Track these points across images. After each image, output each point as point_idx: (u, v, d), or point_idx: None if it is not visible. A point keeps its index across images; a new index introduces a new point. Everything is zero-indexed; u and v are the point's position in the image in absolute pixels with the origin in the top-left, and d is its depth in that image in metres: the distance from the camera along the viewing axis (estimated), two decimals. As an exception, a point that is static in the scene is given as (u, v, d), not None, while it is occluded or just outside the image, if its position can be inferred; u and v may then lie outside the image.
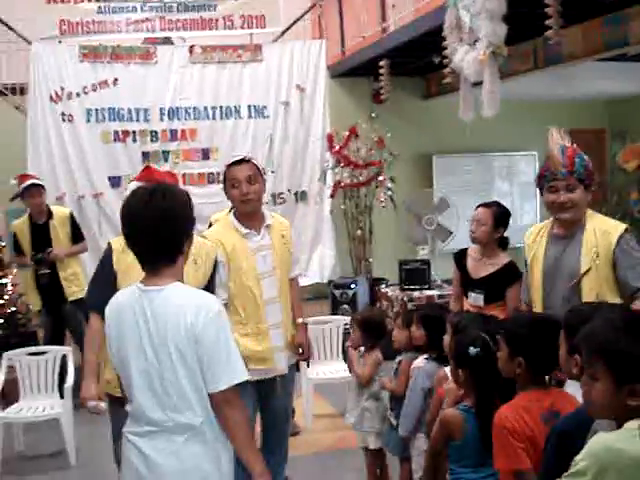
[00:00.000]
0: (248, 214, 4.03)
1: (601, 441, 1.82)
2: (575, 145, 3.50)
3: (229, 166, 4.03)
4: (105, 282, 3.59)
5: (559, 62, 7.67)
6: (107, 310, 2.63)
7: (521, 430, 2.52)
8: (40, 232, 6.73)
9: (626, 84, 10.00)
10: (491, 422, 2.62)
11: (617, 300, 3.29)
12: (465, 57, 5.97)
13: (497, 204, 4.75)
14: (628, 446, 1.76)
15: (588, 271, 3.34)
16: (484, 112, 5.76)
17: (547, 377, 2.76)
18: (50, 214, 6.79)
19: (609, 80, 9.56)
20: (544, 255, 3.57)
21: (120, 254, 3.62)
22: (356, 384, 4.29)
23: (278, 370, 4.08)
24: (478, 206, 4.73)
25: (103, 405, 3.64)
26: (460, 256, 4.80)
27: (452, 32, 6.27)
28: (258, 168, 4.06)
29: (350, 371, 4.41)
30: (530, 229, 3.77)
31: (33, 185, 6.71)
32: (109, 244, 3.79)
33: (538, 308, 3.58)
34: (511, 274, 4.46)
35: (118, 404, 3.15)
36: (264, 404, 4.13)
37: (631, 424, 1.81)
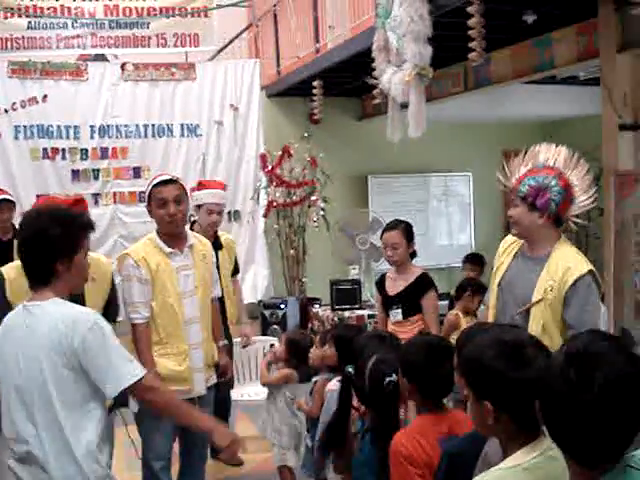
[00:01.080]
0: (172, 234, 3.99)
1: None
2: (554, 171, 3.36)
3: (155, 186, 3.98)
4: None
5: (488, 84, 7.78)
6: None
7: (417, 456, 2.49)
8: (1, 250, 6.28)
9: (557, 106, 10.20)
10: (388, 446, 2.59)
11: (560, 338, 3.16)
12: (392, 78, 5.99)
13: (399, 222, 4.91)
14: None
15: (539, 302, 3.27)
16: (410, 133, 5.78)
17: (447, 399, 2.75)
18: (15, 232, 6.47)
19: (541, 102, 9.74)
20: (506, 270, 3.54)
21: (12, 282, 3.58)
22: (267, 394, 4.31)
23: (196, 391, 4.01)
24: (384, 231, 4.89)
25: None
26: (380, 280, 4.96)
27: (380, 53, 6.30)
28: (184, 189, 4.04)
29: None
30: (507, 237, 3.69)
31: (3, 200, 6.34)
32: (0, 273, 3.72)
33: (488, 318, 3.59)
34: (424, 285, 4.69)
35: None
36: (183, 428, 4.05)
37: (519, 457, 1.80)
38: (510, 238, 3.63)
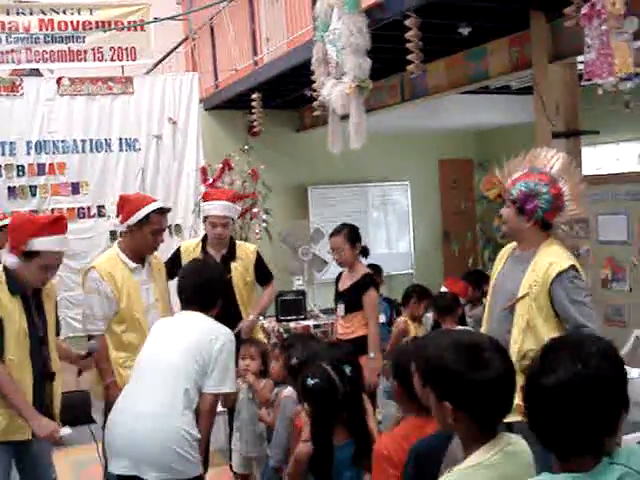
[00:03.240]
0: (143, 254, 4.22)
1: None
2: (547, 178, 3.45)
3: (157, 212, 4.15)
4: None
5: (425, 95, 7.94)
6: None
7: (397, 458, 2.55)
8: None
9: (491, 115, 10.44)
10: (328, 455, 2.65)
11: (550, 332, 3.26)
12: (332, 90, 6.06)
13: (343, 225, 5.34)
14: None
15: (523, 297, 3.37)
16: (351, 144, 5.86)
17: None
18: None
19: (475, 111, 9.97)
20: (497, 272, 3.66)
21: None
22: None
23: None
24: (330, 236, 5.36)
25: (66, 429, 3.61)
26: (337, 277, 5.47)
27: (320, 66, 6.37)
28: None
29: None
30: (502, 250, 3.80)
31: None
32: None
33: (483, 325, 3.71)
34: (365, 283, 5.10)
35: None
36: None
37: (479, 455, 1.88)
38: (504, 249, 3.76)
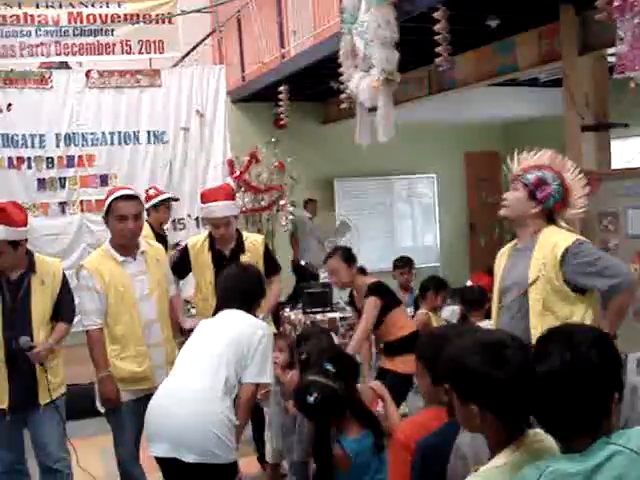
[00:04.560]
0: (127, 246, 4.19)
1: None
2: (558, 174, 3.52)
3: (116, 199, 4.13)
4: None
5: (452, 88, 7.92)
6: None
7: (414, 445, 2.55)
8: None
9: (518, 108, 10.38)
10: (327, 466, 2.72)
11: (571, 310, 3.32)
12: (360, 83, 6.07)
13: (337, 248, 5.43)
14: None
15: (535, 282, 3.38)
16: (379, 137, 5.87)
17: None
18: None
19: (502, 104, 9.92)
20: (502, 269, 3.67)
21: None
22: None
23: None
24: (324, 261, 5.39)
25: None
26: (350, 298, 5.47)
27: (347, 59, 6.38)
28: (142, 205, 4.30)
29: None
30: (500, 251, 3.83)
31: None
32: None
33: (493, 321, 3.71)
34: (367, 293, 5.01)
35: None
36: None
37: (506, 454, 1.90)
38: (504, 248, 3.79)
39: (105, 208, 4.14)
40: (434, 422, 2.57)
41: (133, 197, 4.17)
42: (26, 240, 4.03)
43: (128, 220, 4.05)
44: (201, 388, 3.36)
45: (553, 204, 3.49)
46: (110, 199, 4.13)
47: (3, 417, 3.97)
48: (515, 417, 1.91)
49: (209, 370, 3.41)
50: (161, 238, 6.38)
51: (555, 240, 3.39)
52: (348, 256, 5.13)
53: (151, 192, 6.91)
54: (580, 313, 3.34)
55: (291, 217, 8.70)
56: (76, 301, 4.24)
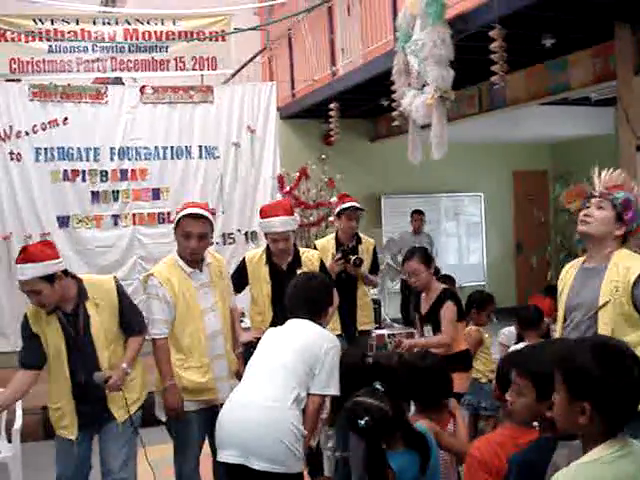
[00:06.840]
0: (192, 260, 4.22)
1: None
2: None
3: (185, 216, 4.15)
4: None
5: (503, 106, 7.91)
6: None
7: (490, 461, 2.56)
8: None
9: (568, 127, 10.32)
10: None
11: (636, 336, 3.20)
12: (413, 101, 6.11)
13: (417, 249, 5.24)
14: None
15: (606, 305, 3.30)
16: (433, 155, 5.89)
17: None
18: None
19: (552, 123, 9.87)
20: (570, 287, 3.56)
21: (34, 319, 3.90)
22: None
23: (222, 399, 4.12)
24: (403, 260, 5.23)
25: None
26: (416, 301, 5.24)
27: (400, 76, 6.42)
28: (212, 224, 4.27)
29: None
30: (565, 266, 3.73)
31: None
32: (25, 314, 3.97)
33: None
34: (442, 299, 4.92)
35: None
36: (211, 432, 4.17)
37: (599, 451, 1.95)
38: (568, 266, 3.69)
39: (175, 221, 4.20)
40: (509, 441, 2.58)
41: (201, 217, 4.18)
42: (65, 272, 3.91)
43: (191, 239, 4.09)
44: (272, 397, 3.40)
45: (635, 227, 3.41)
46: (180, 215, 4.17)
47: (71, 447, 3.95)
48: (620, 419, 1.97)
49: (279, 380, 3.44)
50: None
51: (630, 265, 3.30)
52: (427, 259, 5.08)
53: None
54: None
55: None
56: (142, 307, 4.26)
